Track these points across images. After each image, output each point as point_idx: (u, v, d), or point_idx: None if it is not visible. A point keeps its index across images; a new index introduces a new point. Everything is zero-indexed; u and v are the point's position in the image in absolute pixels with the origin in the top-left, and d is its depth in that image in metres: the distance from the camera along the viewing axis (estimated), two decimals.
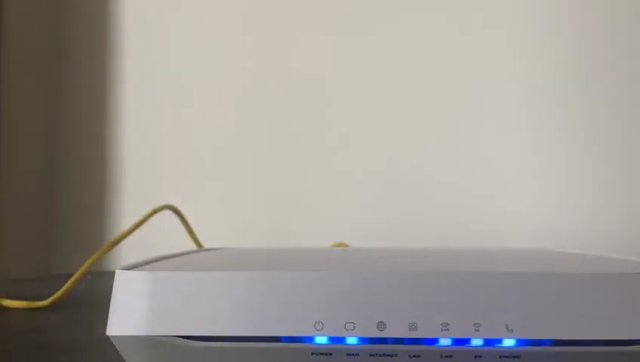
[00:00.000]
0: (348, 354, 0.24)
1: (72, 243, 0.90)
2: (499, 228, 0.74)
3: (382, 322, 0.24)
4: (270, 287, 0.24)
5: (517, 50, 0.76)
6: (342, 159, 0.81)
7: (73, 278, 0.49)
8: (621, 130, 0.73)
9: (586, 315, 0.23)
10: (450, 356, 0.24)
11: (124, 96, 0.90)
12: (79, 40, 0.92)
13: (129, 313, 0.24)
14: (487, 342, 0.23)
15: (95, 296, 0.56)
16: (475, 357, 0.24)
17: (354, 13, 0.82)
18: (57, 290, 0.49)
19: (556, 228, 0.73)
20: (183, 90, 0.87)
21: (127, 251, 0.77)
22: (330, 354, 0.24)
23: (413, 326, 0.23)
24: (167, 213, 0.58)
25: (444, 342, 0.24)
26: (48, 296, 0.49)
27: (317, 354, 0.24)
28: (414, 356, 0.24)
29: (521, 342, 0.23)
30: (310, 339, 0.24)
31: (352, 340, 0.24)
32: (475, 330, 0.23)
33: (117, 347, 0.25)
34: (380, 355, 0.24)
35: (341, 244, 0.65)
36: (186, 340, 0.24)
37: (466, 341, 0.24)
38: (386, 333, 0.23)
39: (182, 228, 0.60)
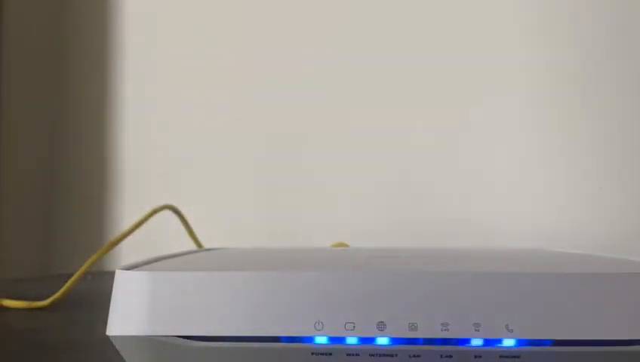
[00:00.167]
0: (348, 354, 0.24)
1: (72, 243, 0.90)
2: (498, 228, 0.74)
3: (382, 322, 0.24)
4: (270, 287, 0.24)
5: (517, 51, 0.76)
6: (342, 159, 0.81)
7: (73, 278, 0.49)
8: (621, 131, 0.73)
9: (586, 315, 0.23)
10: (450, 356, 0.24)
11: (124, 97, 0.90)
12: (79, 40, 0.92)
13: (129, 313, 0.24)
14: (487, 342, 0.23)
15: (95, 296, 0.56)
16: (475, 357, 0.24)
17: (354, 14, 0.82)
18: (57, 290, 0.49)
19: (556, 228, 0.73)
20: (183, 89, 0.87)
21: (127, 251, 0.77)
22: (330, 354, 0.24)
23: (413, 326, 0.23)
24: (167, 213, 0.58)
25: (444, 342, 0.24)
26: (48, 296, 0.49)
27: (317, 354, 0.24)
28: (414, 356, 0.24)
29: (521, 342, 0.23)
30: (310, 339, 0.24)
31: (352, 340, 0.24)
32: (475, 330, 0.23)
33: (117, 347, 0.25)
34: (379, 355, 0.24)
35: (341, 244, 0.65)
36: (186, 340, 0.24)
37: (466, 341, 0.24)
38: (386, 333, 0.23)
39: (182, 228, 0.60)
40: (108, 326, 0.25)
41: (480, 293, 0.24)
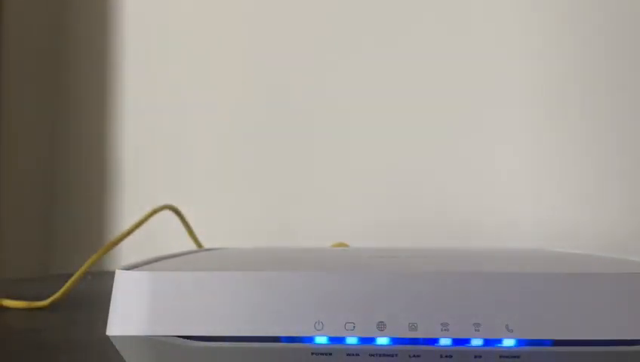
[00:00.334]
0: (348, 354, 0.24)
1: (72, 243, 0.90)
2: (498, 228, 0.74)
3: (382, 322, 0.24)
4: (270, 287, 0.24)
5: (517, 51, 0.76)
6: (342, 159, 0.81)
7: (73, 278, 0.49)
8: (621, 131, 0.73)
9: (586, 315, 0.23)
10: (450, 356, 0.24)
11: (124, 96, 0.90)
12: (79, 40, 0.92)
13: (129, 313, 0.24)
14: (487, 342, 0.23)
15: (95, 296, 0.56)
16: (475, 357, 0.24)
17: (354, 16, 0.82)
18: (57, 290, 0.49)
19: (556, 228, 0.73)
20: (183, 89, 0.87)
21: (127, 251, 0.77)
22: (330, 354, 0.24)
23: (413, 326, 0.23)
24: (167, 213, 0.58)
25: (444, 342, 0.24)
26: (48, 296, 0.49)
27: (317, 354, 0.24)
28: (414, 356, 0.24)
29: (521, 342, 0.23)
30: (310, 339, 0.24)
31: (352, 340, 0.24)
32: (475, 330, 0.23)
33: (117, 347, 0.25)
34: (379, 355, 0.24)
35: (341, 244, 0.65)
36: (186, 340, 0.24)
37: (466, 341, 0.24)
38: (386, 333, 0.23)
39: (182, 228, 0.60)
40: (108, 326, 0.25)
41: (480, 293, 0.24)
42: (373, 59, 0.81)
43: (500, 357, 0.23)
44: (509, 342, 0.23)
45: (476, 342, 0.23)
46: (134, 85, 0.89)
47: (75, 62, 0.92)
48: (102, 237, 0.88)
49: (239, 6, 0.86)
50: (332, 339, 0.24)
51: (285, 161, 0.83)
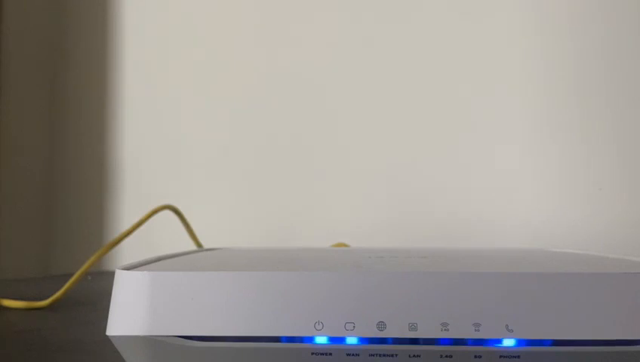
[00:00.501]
0: (348, 354, 0.24)
1: (72, 243, 0.90)
2: (498, 228, 0.74)
3: (382, 322, 0.24)
4: (270, 287, 0.24)
5: (517, 51, 0.76)
6: (342, 159, 0.81)
7: (73, 278, 0.49)
8: (621, 131, 0.73)
9: (586, 315, 0.23)
10: (450, 356, 0.24)
11: (123, 97, 0.90)
12: (79, 40, 0.92)
13: (129, 313, 0.24)
14: (487, 342, 0.23)
15: (95, 296, 0.56)
16: (475, 357, 0.24)
17: (356, 17, 0.82)
18: (57, 290, 0.49)
19: (556, 228, 0.73)
20: (183, 89, 0.87)
21: (127, 251, 0.77)
22: (330, 354, 0.24)
23: (413, 326, 0.23)
24: (167, 213, 0.58)
25: (444, 342, 0.24)
26: (48, 296, 0.49)
27: (317, 354, 0.24)
28: (414, 356, 0.24)
29: (521, 342, 0.23)
30: (310, 339, 0.24)
31: (352, 340, 0.24)
32: (475, 330, 0.23)
33: (117, 347, 0.25)
34: (379, 355, 0.24)
35: (341, 244, 0.65)
36: (186, 340, 0.24)
37: (466, 341, 0.24)
38: (386, 333, 0.23)
39: (182, 228, 0.60)
40: (108, 326, 0.25)
41: (480, 293, 0.24)
42: (373, 60, 0.81)
43: (500, 357, 0.23)
44: (509, 342, 0.23)
45: (476, 342, 0.23)
46: (134, 85, 0.89)
47: (75, 62, 0.92)
48: (102, 237, 0.88)
49: (241, 6, 0.86)
50: (332, 339, 0.24)
51: (285, 161, 0.83)
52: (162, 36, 0.89)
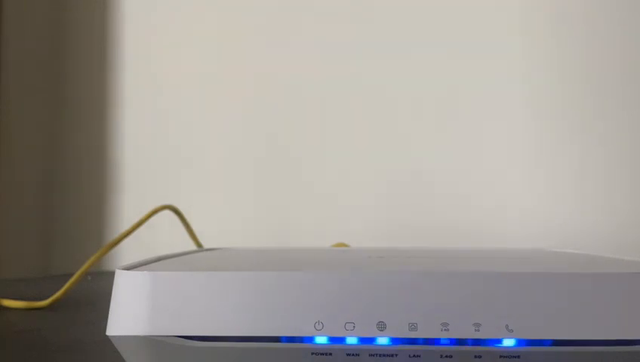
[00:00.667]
0: (348, 354, 0.24)
1: (72, 243, 0.90)
2: (499, 229, 0.74)
3: (382, 322, 0.24)
4: (270, 287, 0.24)
5: (517, 51, 0.76)
6: (342, 159, 0.81)
7: (73, 278, 0.49)
8: (621, 131, 0.73)
9: (586, 315, 0.23)
10: (450, 356, 0.24)
11: (124, 96, 0.90)
12: (79, 40, 0.92)
13: (129, 313, 0.24)
14: (487, 342, 0.23)
15: (95, 296, 0.56)
16: (475, 357, 0.24)
17: (357, 18, 0.82)
18: (57, 290, 0.49)
19: (556, 228, 0.73)
20: (183, 89, 0.87)
21: (127, 251, 0.77)
22: (330, 354, 0.24)
23: (413, 326, 0.23)
24: (167, 213, 0.58)
25: (444, 342, 0.24)
26: (48, 296, 0.49)
27: (317, 354, 0.24)
28: (414, 356, 0.24)
29: (521, 342, 0.23)
30: (310, 339, 0.24)
31: (352, 340, 0.24)
32: (475, 330, 0.23)
33: (117, 347, 0.25)
34: (379, 355, 0.24)
35: (341, 244, 0.65)
36: (186, 340, 0.24)
37: (466, 341, 0.24)
38: (386, 333, 0.23)
39: (182, 228, 0.60)
40: (108, 326, 0.25)
41: (480, 293, 0.24)
42: (373, 58, 0.81)
43: (500, 357, 0.23)
44: (509, 342, 0.23)
45: (476, 342, 0.23)
46: (134, 85, 0.89)
47: (75, 62, 0.92)
48: (102, 237, 0.88)
49: (241, 6, 0.86)
50: (332, 339, 0.24)
51: (286, 161, 0.83)
52: (162, 36, 0.89)
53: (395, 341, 0.24)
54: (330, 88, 0.82)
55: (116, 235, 0.80)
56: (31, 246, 0.87)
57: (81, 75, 0.91)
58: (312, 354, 0.24)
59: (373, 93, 0.80)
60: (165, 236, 0.73)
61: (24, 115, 0.87)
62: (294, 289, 0.24)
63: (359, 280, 0.24)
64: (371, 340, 0.24)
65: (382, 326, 0.24)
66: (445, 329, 0.23)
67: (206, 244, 0.62)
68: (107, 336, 0.25)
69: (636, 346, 0.23)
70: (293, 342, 0.24)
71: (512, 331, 0.23)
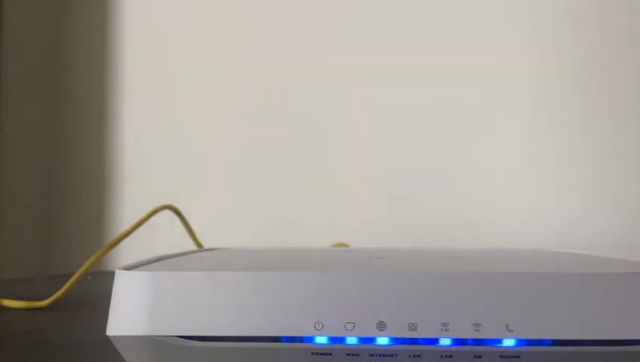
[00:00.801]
0: (348, 354, 0.24)
1: (72, 243, 0.90)
2: (498, 229, 0.74)
3: (382, 322, 0.24)
4: (270, 287, 0.24)
5: (517, 52, 0.76)
6: (342, 159, 0.81)
7: (73, 278, 0.49)
8: (622, 131, 0.73)
9: (586, 315, 0.23)
10: (450, 356, 0.24)
11: (124, 96, 0.90)
12: (79, 40, 0.92)
13: (129, 313, 0.24)
14: (487, 342, 0.23)
15: (95, 296, 0.56)
16: (475, 357, 0.24)
17: (358, 19, 0.82)
18: (57, 290, 0.49)
19: (556, 228, 0.73)
20: (183, 89, 0.87)
21: (127, 251, 0.77)
22: (330, 354, 0.24)
23: (413, 326, 0.23)
24: (167, 213, 0.58)
25: (444, 342, 0.24)
26: (48, 296, 0.49)
27: (317, 354, 0.24)
28: (414, 356, 0.24)
29: (521, 342, 0.23)
30: (310, 339, 0.24)
31: (352, 340, 0.24)
32: (475, 330, 0.23)
33: (117, 347, 0.25)
34: (379, 355, 0.24)
35: (341, 244, 0.65)
36: (186, 340, 0.24)
37: (466, 341, 0.24)
38: (386, 333, 0.23)
39: (182, 228, 0.60)
40: (108, 326, 0.25)
41: (480, 293, 0.24)
42: (375, 61, 0.81)
43: (500, 357, 0.23)
44: (509, 342, 0.23)
45: (476, 342, 0.23)
46: (134, 85, 0.89)
47: (75, 61, 0.92)
48: (102, 237, 0.88)
49: (242, 6, 0.86)
50: (332, 339, 0.24)
51: (286, 161, 0.83)
52: (162, 35, 0.89)
53: (395, 341, 0.24)
54: (330, 88, 0.82)
55: (116, 235, 0.80)
56: (31, 246, 0.87)
57: (81, 75, 0.91)
58: (312, 354, 0.24)
59: (374, 93, 0.80)
60: (165, 236, 0.73)
61: (24, 115, 0.87)
62: (294, 289, 0.24)
63: (359, 280, 0.24)
64: (371, 340, 0.24)
65: (382, 326, 0.24)
66: (445, 329, 0.23)
67: (206, 244, 0.62)
68: (107, 336, 0.25)
69: (636, 346, 0.23)
70: (293, 342, 0.24)
71: (512, 331, 0.23)
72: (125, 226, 0.85)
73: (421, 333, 0.23)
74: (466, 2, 0.78)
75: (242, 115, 0.85)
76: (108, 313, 0.25)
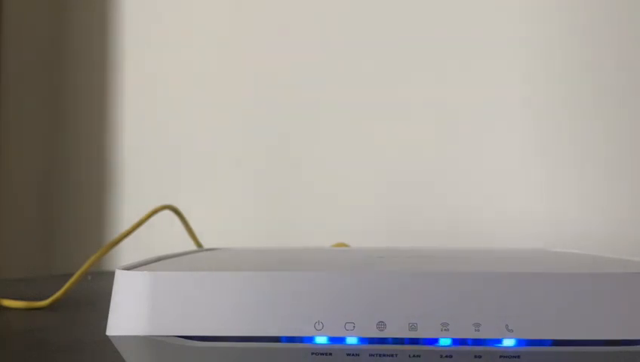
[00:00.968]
0: (348, 354, 0.24)
1: (72, 243, 0.90)
2: (498, 229, 0.74)
3: (382, 322, 0.24)
4: (270, 287, 0.24)
5: (518, 51, 0.76)
6: (342, 159, 0.81)
7: (73, 278, 0.49)
8: (621, 131, 0.73)
9: (586, 315, 0.23)
10: (450, 356, 0.24)
11: (124, 96, 0.90)
12: (79, 40, 0.92)
13: (129, 313, 0.24)
14: (487, 342, 0.23)
15: (95, 296, 0.56)
16: (475, 357, 0.24)
17: (358, 16, 0.82)
18: (57, 290, 0.49)
19: (556, 228, 0.73)
20: (183, 89, 0.87)
21: (127, 251, 0.77)
22: (330, 354, 0.24)
23: (413, 326, 0.23)
24: (167, 213, 0.58)
25: (444, 342, 0.24)
26: (48, 296, 0.49)
27: (317, 354, 0.24)
28: (414, 356, 0.24)
29: (521, 342, 0.23)
30: (310, 339, 0.24)
31: (352, 340, 0.24)
32: (475, 330, 0.23)
33: (117, 347, 0.25)
34: (379, 355, 0.24)
35: (341, 244, 0.65)
36: (186, 340, 0.24)
37: (466, 341, 0.24)
38: (386, 333, 0.23)
39: (182, 228, 0.60)
40: (108, 326, 0.25)
41: (480, 293, 0.24)
42: (372, 58, 0.81)
43: (500, 357, 0.23)
44: (509, 342, 0.23)
45: (476, 342, 0.23)
46: (134, 85, 0.89)
47: (75, 61, 0.92)
48: (102, 237, 0.88)
49: (242, 7, 0.86)
50: (332, 339, 0.24)
51: (286, 161, 0.83)
52: (162, 36, 0.89)
53: (395, 341, 0.24)
54: (330, 88, 0.82)
55: (116, 235, 0.80)
56: (31, 246, 0.87)
57: (81, 75, 0.91)
58: (312, 354, 0.24)
59: (374, 93, 0.80)
60: (165, 236, 0.73)
61: (24, 114, 0.87)
62: (294, 289, 0.24)
63: (359, 280, 0.24)
64: (371, 340, 0.24)
65: (382, 326, 0.24)
66: (445, 329, 0.23)
67: (206, 244, 0.62)
68: (107, 336, 0.25)
69: (636, 346, 0.23)
70: (293, 342, 0.24)
71: (512, 331, 0.23)
72: (125, 226, 0.85)
73: (421, 333, 0.23)
74: (463, 6, 0.78)
75: (242, 114, 0.85)
76: (108, 313, 0.25)
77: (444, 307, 0.24)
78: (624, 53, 0.73)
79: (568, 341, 0.23)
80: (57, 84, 0.91)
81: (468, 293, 0.24)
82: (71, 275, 0.51)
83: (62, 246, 0.90)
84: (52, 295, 0.48)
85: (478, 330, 0.23)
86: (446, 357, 0.24)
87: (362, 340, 0.24)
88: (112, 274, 0.28)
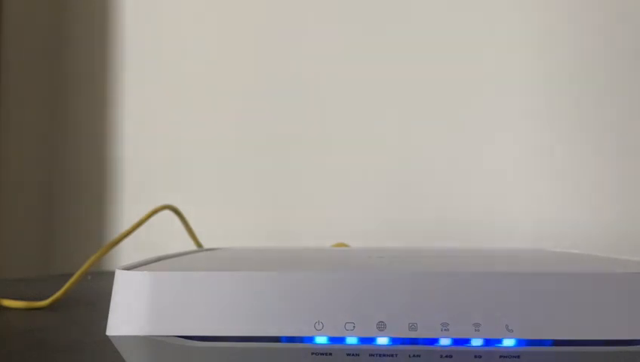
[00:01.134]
0: (348, 354, 0.24)
1: (72, 243, 0.90)
2: (498, 229, 0.74)
3: (382, 322, 0.24)
4: (270, 287, 0.24)
5: (519, 51, 0.76)
6: (342, 160, 0.81)
7: (73, 278, 0.49)
8: (622, 132, 0.73)
9: (586, 315, 0.23)
10: (450, 356, 0.24)
11: (124, 96, 0.90)
12: (79, 39, 0.92)
13: (129, 313, 0.24)
14: (487, 342, 0.23)
15: (95, 296, 0.56)
16: (475, 357, 0.24)
17: (359, 16, 0.82)
18: (57, 290, 0.49)
19: (556, 228, 0.73)
20: (183, 89, 0.87)
21: (127, 251, 0.77)
22: (330, 354, 0.24)
23: (413, 326, 0.23)
24: (167, 213, 0.58)
25: (444, 342, 0.24)
26: (48, 296, 0.49)
27: (317, 354, 0.24)
28: (414, 356, 0.24)
29: (521, 342, 0.23)
30: (310, 339, 0.24)
31: (352, 340, 0.24)
32: (475, 330, 0.23)
33: (117, 347, 0.25)
34: (379, 355, 0.24)
35: (341, 244, 0.65)
36: (186, 340, 0.24)
37: (466, 341, 0.24)
38: (386, 333, 0.23)
39: (182, 228, 0.60)
40: (108, 326, 0.25)
41: (480, 293, 0.24)
42: (371, 58, 0.81)
43: (500, 357, 0.23)
44: (509, 342, 0.23)
45: (476, 342, 0.23)
46: (134, 85, 0.89)
47: (75, 61, 0.92)
48: (102, 237, 0.88)
49: (242, 7, 0.86)
50: (332, 339, 0.24)
51: (285, 161, 0.83)
52: (162, 36, 0.89)
53: (395, 341, 0.24)
54: (331, 87, 0.82)
55: (116, 235, 0.80)
56: (31, 246, 0.87)
57: (81, 75, 0.91)
58: (312, 354, 0.24)
59: (374, 93, 0.80)
60: (165, 236, 0.73)
61: (24, 114, 0.87)
62: (294, 289, 0.24)
63: (359, 280, 0.24)
64: (371, 340, 0.24)
65: (382, 326, 0.24)
66: (445, 329, 0.23)
67: (206, 244, 0.62)
68: (107, 336, 0.25)
69: (636, 346, 0.23)
70: (293, 342, 0.24)
71: (512, 331, 0.23)
72: (125, 226, 0.85)
73: (421, 333, 0.23)
74: (468, 4, 0.78)
75: (243, 114, 0.85)
76: (108, 313, 0.25)
77: (444, 307, 0.24)
78: (621, 52, 0.73)
79: (568, 341, 0.23)
80: (57, 83, 0.91)
81: (468, 293, 0.24)
82: (71, 275, 0.51)
83: (62, 246, 0.90)
84: (52, 295, 0.48)
85: (478, 330, 0.23)
86: (446, 357, 0.24)
87: (362, 340, 0.24)
88: (112, 274, 0.28)
